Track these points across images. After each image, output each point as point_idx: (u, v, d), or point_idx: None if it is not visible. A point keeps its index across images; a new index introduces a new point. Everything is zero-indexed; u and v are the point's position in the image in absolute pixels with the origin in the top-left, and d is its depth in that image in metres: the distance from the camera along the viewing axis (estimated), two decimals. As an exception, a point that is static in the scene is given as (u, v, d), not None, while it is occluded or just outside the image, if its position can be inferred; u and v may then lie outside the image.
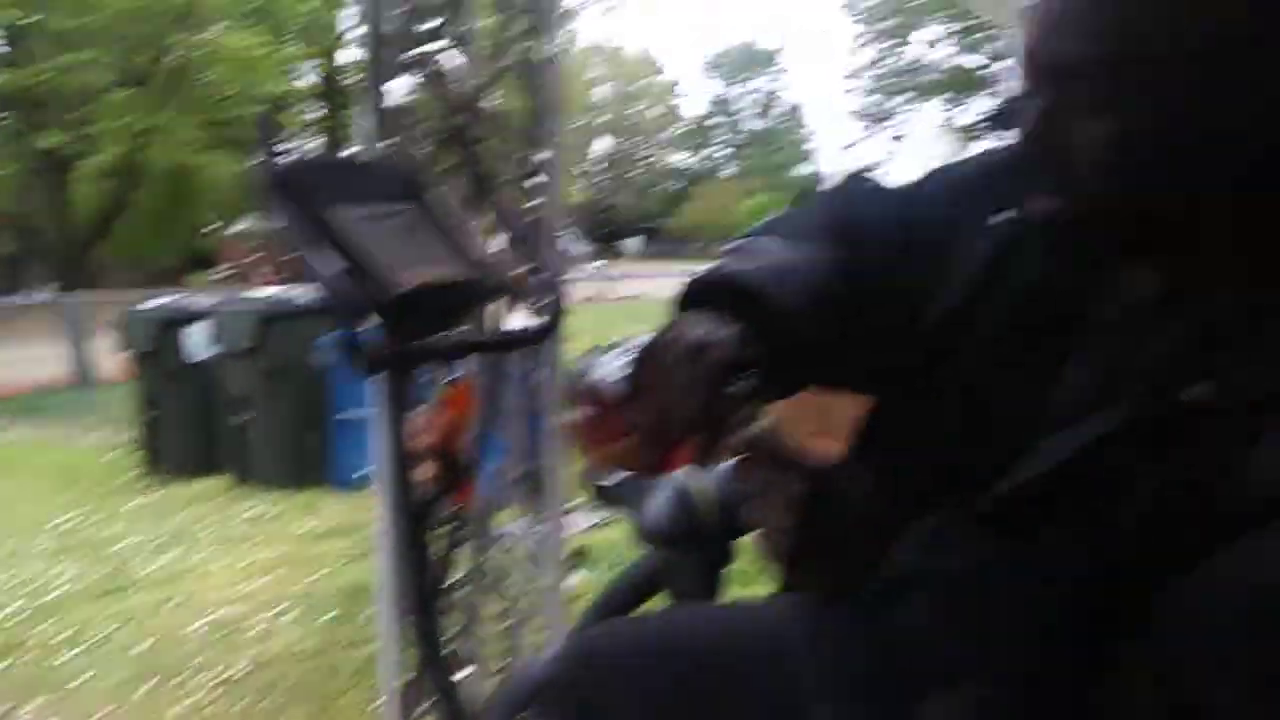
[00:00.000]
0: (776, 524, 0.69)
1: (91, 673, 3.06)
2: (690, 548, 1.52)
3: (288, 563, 4.00)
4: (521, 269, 1.93)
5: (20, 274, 26.80)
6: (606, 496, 1.67)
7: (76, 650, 3.24)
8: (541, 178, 2.10)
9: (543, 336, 1.92)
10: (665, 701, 1.15)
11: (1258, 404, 0.55)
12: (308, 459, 5.44)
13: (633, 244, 38.32)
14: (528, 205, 2.09)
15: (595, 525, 4.19)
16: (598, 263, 24.72)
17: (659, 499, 1.51)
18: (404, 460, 1.58)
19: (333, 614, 3.33)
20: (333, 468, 5.34)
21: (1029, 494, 0.66)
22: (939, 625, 0.61)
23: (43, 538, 4.76)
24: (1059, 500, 0.64)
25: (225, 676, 2.93)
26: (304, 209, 1.37)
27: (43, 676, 3.06)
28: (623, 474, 1.66)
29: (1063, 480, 0.64)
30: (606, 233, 38.74)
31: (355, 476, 5.01)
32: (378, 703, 2.46)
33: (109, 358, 10.17)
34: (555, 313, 1.87)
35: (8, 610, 3.70)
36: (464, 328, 1.87)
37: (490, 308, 1.96)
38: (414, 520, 1.60)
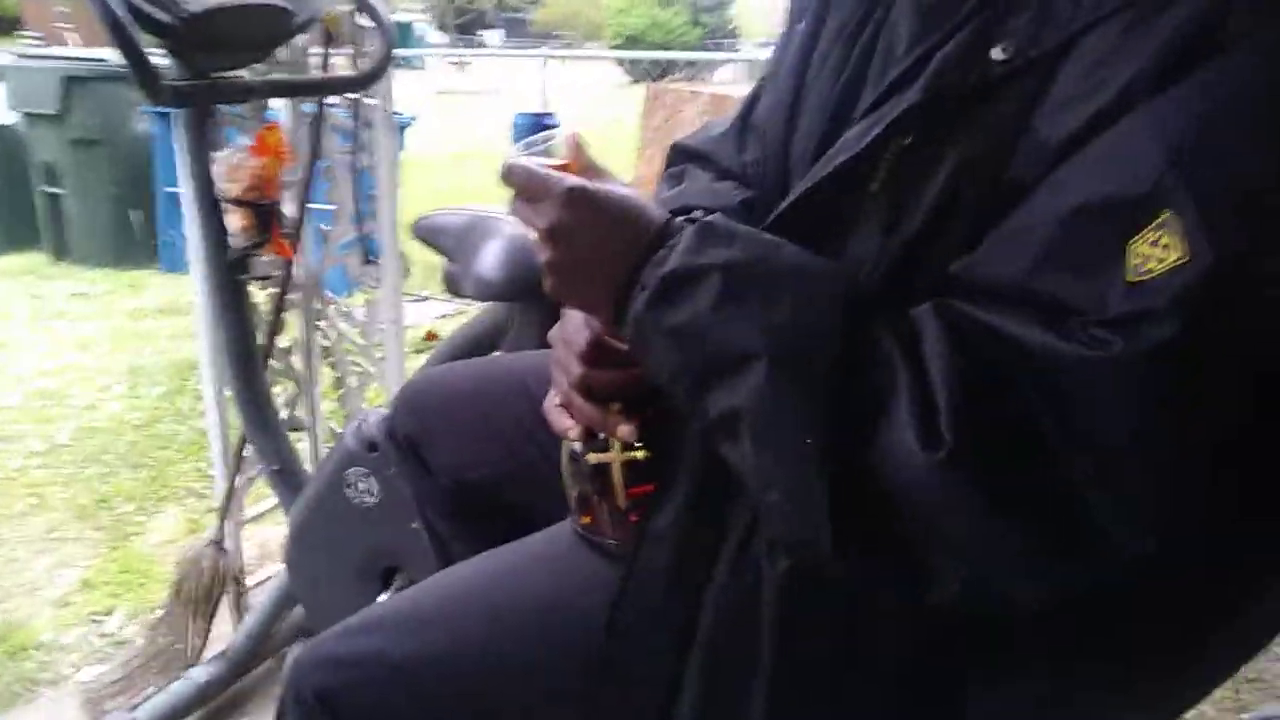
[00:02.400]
0: None
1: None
2: (524, 303, 1.54)
3: (112, 339, 3.82)
4: (341, 8, 1.80)
5: None
6: (428, 240, 1.64)
7: (-126, 420, 3.06)
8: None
9: (366, 84, 1.82)
10: (477, 434, 1.20)
11: (1046, 55, 0.59)
12: (131, 236, 5.10)
13: (493, 36, 36.27)
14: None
15: (447, 315, 4.19)
16: (455, 52, 23.31)
17: (491, 248, 1.51)
18: (212, 208, 1.50)
19: (161, 389, 3.24)
20: (161, 246, 5.01)
21: (826, 194, 0.69)
22: (717, 311, 0.63)
23: None
24: (855, 192, 0.67)
25: (48, 444, 2.84)
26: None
27: None
28: (448, 215, 1.63)
29: (858, 170, 0.66)
30: (465, 22, 36.41)
31: (183, 255, 4.74)
32: (213, 470, 2.47)
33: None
34: (382, 59, 1.77)
35: None
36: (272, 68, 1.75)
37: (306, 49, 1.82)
38: (228, 271, 1.54)
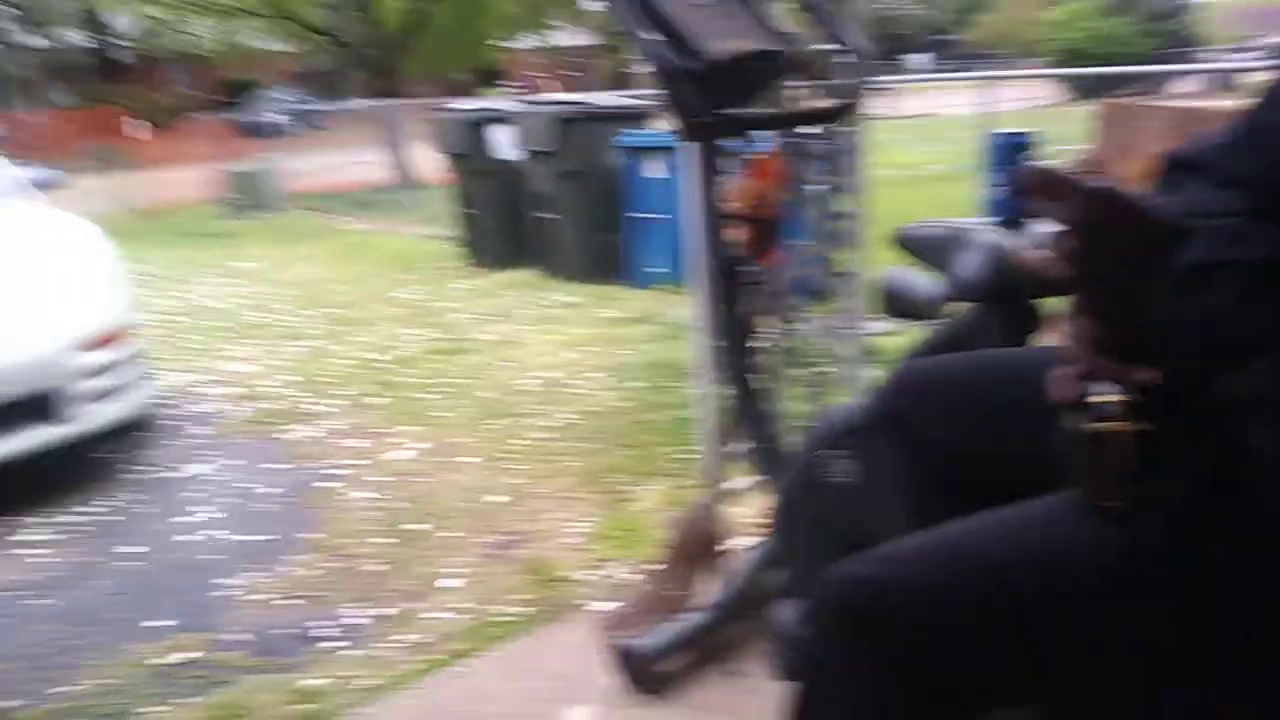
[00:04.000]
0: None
1: (446, 411, 3.69)
2: (1000, 305, 1.63)
3: (596, 341, 4.48)
4: (823, 47, 2.02)
5: (339, 85, 29.52)
6: (911, 249, 1.78)
7: (432, 394, 3.91)
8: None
9: (842, 114, 2.02)
10: (970, 414, 1.32)
11: None
12: (604, 256, 5.86)
13: (921, 59, 35.66)
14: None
15: (888, 332, 4.32)
16: (884, 77, 23.29)
17: (971, 255, 1.62)
18: (716, 221, 1.78)
19: (641, 383, 3.75)
20: (627, 265, 5.73)
21: None
22: (1242, 304, 0.70)
23: (392, 307, 5.59)
24: None
25: (559, 421, 3.45)
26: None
27: (410, 409, 3.73)
28: (929, 227, 1.77)
29: None
30: (892, 47, 36.22)
31: (647, 273, 5.35)
32: (688, 452, 2.84)
33: (423, 160, 11.25)
34: (854, 92, 1.95)
35: (378, 359, 4.48)
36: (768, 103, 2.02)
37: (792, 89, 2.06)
38: (726, 276, 1.81)
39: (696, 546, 2.12)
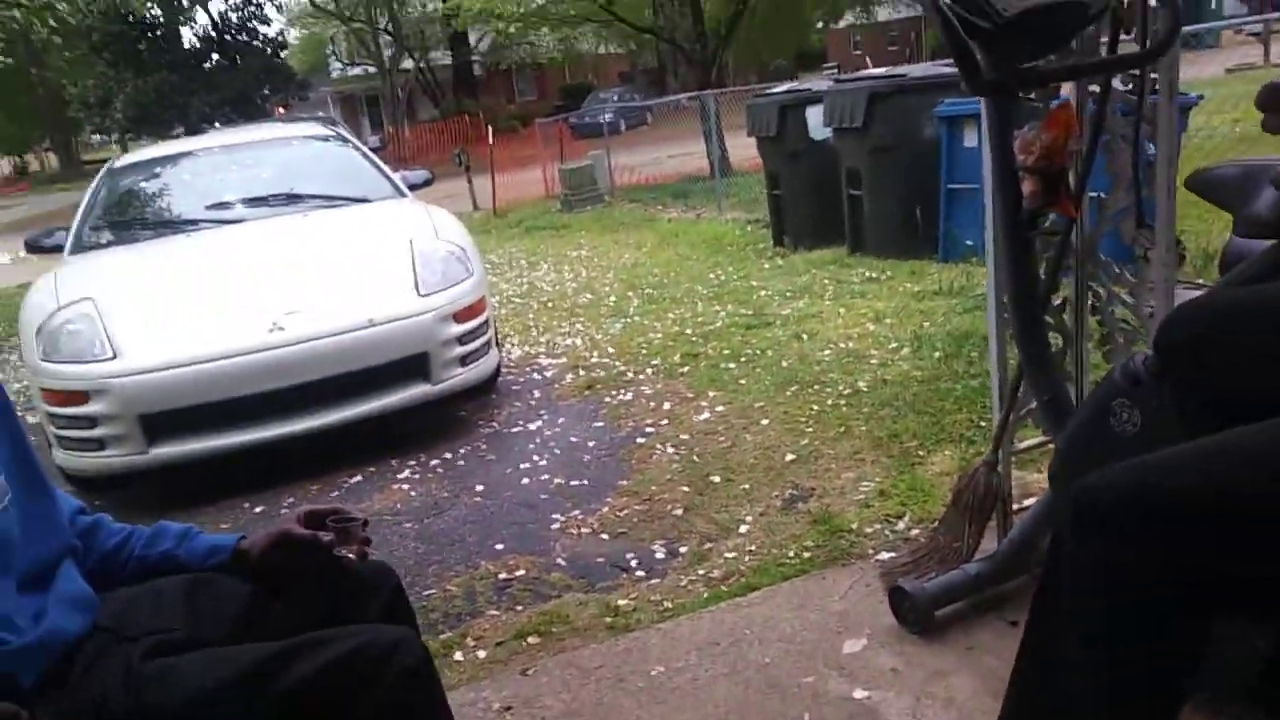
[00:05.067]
0: None
1: (746, 379, 3.91)
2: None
3: (897, 314, 4.49)
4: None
5: (663, 81, 30.98)
6: (1203, 191, 1.70)
7: (735, 364, 4.15)
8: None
9: (1151, 59, 1.93)
10: (1256, 353, 1.28)
11: None
12: (914, 231, 5.76)
13: (1237, 4, 30.59)
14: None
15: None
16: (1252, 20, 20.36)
17: (1267, 193, 1.53)
18: (1009, 175, 1.80)
19: (939, 353, 3.74)
20: (940, 239, 5.59)
21: None
22: None
23: (702, 287, 5.93)
24: None
25: (852, 389, 3.55)
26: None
27: (714, 377, 3.99)
28: (1222, 167, 1.68)
29: None
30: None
31: (966, 245, 5.20)
32: (983, 418, 2.83)
33: (738, 149, 11.61)
34: (1168, 35, 1.86)
35: (687, 333, 4.81)
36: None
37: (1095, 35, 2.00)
38: (1017, 229, 1.83)
39: (980, 502, 2.15)
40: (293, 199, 4.57)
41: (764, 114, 6.94)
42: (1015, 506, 2.26)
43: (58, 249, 4.45)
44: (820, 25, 31.39)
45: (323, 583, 1.27)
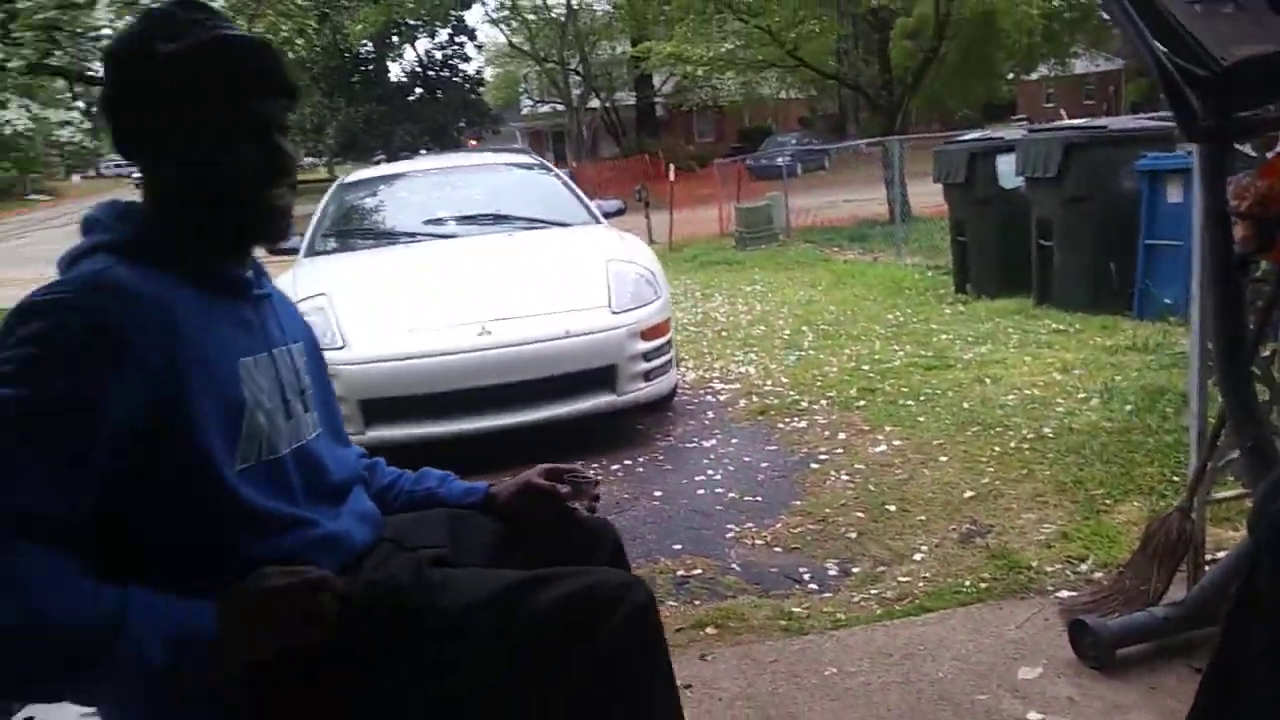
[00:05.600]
0: None
1: (925, 417, 3.92)
2: None
3: (1086, 365, 4.39)
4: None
5: (842, 127, 30.94)
6: None
7: (913, 401, 4.16)
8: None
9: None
10: None
11: None
12: (1107, 285, 5.58)
13: None
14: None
15: None
16: None
17: None
18: (1221, 221, 1.81)
19: (1131, 406, 3.65)
20: (1135, 295, 5.40)
21: None
22: None
23: (878, 328, 5.95)
24: None
25: (1036, 434, 3.51)
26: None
27: (892, 413, 4.03)
28: None
29: None
30: None
31: (1164, 303, 5.01)
32: (1175, 473, 2.77)
33: (920, 195, 11.52)
34: None
35: (864, 369, 4.86)
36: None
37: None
38: (1227, 275, 1.83)
39: (1171, 548, 2.13)
40: (499, 219, 4.94)
41: (953, 160, 6.91)
42: (1207, 556, 2.22)
43: (294, 251, 4.97)
44: (1010, 76, 30.59)
45: (557, 530, 1.45)
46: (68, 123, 8.91)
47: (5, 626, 0.86)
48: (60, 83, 9.76)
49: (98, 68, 9.44)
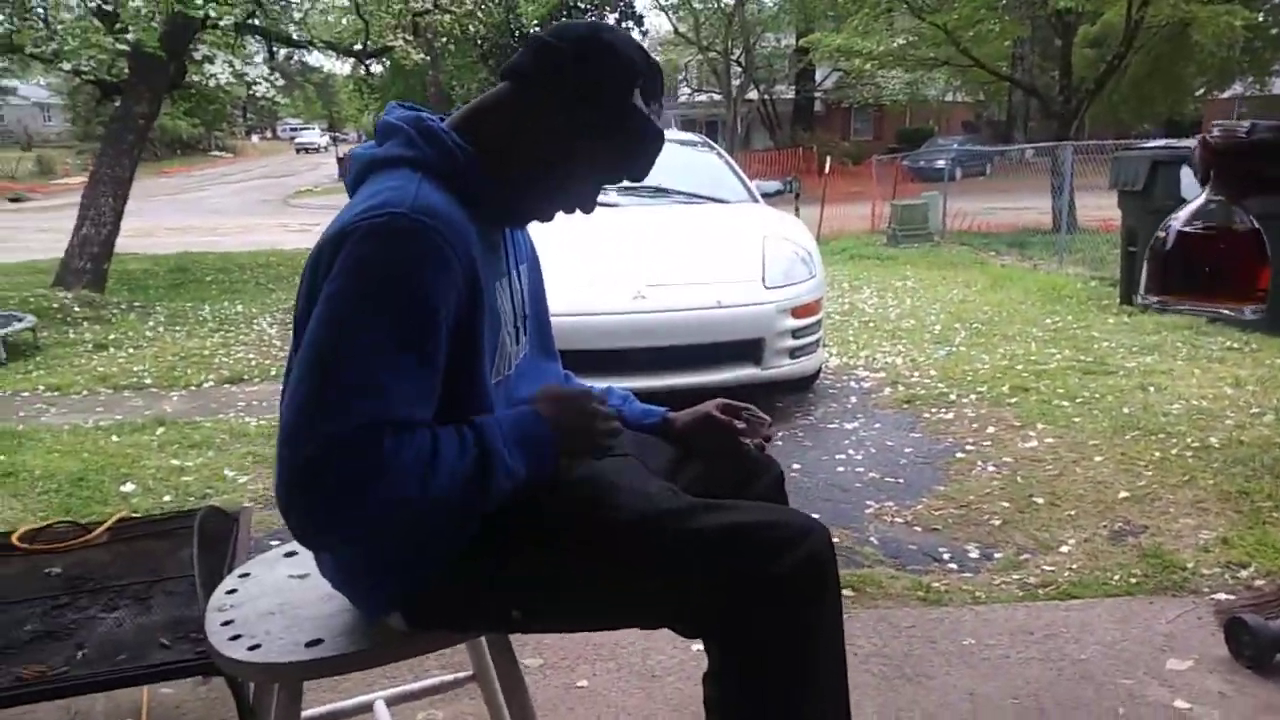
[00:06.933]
0: None
1: (1080, 418, 3.81)
2: None
3: (1261, 382, 4.15)
4: None
5: (1008, 133, 29.73)
6: None
7: (1068, 402, 4.04)
8: None
9: None
10: None
11: None
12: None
13: None
14: None
15: None
16: None
17: None
18: None
19: (1309, 426, 3.45)
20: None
21: None
22: None
23: (1035, 330, 5.77)
24: None
25: (1201, 444, 3.37)
26: None
27: (1044, 412, 3.93)
28: None
29: None
30: None
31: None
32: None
33: (1087, 207, 11.01)
34: None
35: (1017, 368, 4.74)
36: None
37: None
38: None
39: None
40: (659, 192, 5.03)
41: (1133, 166, 6.59)
42: (1388, 572, 2.11)
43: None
44: (1199, 92, 28.65)
45: (726, 460, 1.53)
46: (263, 79, 9.54)
47: (412, 499, 1.03)
48: (255, 44, 10.47)
49: (293, 30, 10.12)
